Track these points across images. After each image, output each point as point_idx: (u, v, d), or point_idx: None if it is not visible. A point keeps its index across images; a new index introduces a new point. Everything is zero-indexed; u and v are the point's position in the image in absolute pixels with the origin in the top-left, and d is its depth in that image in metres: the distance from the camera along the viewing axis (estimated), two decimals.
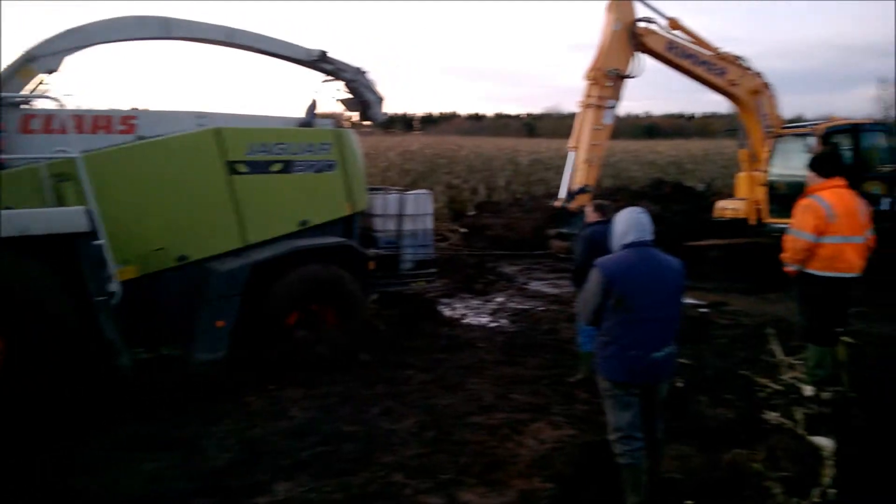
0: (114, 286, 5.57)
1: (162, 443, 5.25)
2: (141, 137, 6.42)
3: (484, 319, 9.54)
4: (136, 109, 6.75)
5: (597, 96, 10.58)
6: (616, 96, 10.76)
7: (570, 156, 10.84)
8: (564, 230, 10.55)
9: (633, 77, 10.79)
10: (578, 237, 6.45)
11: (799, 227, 5.73)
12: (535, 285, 12.06)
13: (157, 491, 4.59)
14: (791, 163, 11.23)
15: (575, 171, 10.66)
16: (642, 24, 10.75)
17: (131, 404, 5.75)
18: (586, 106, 10.74)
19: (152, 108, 6.88)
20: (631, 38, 10.59)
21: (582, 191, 10.40)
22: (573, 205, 10.32)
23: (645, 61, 10.86)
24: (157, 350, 7.12)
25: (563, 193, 10.72)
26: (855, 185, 7.15)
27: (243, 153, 6.77)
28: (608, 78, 10.54)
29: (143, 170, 6.32)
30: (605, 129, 10.75)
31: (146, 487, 4.63)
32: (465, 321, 9.38)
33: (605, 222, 5.77)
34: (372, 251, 7.72)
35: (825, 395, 4.75)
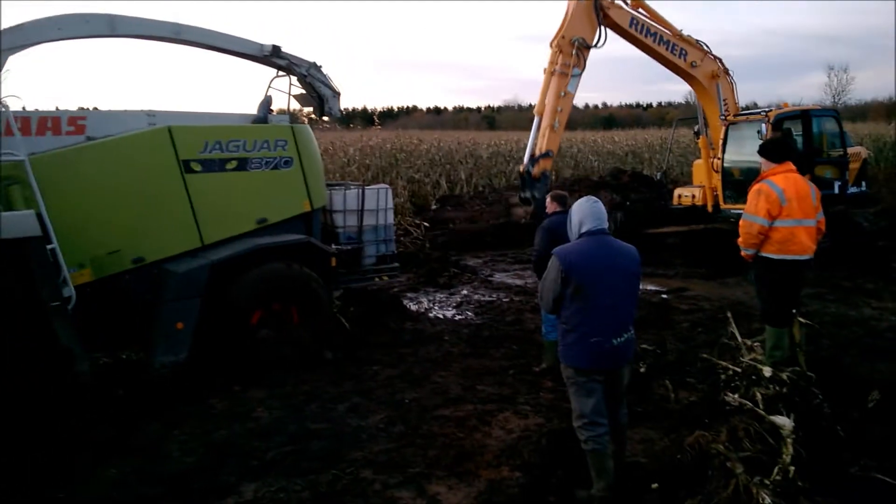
0: (68, 291, 5.45)
1: (125, 447, 5.16)
2: (90, 138, 6.27)
3: (449, 312, 9.56)
4: (85, 109, 6.59)
5: (561, 63, 10.63)
6: (580, 65, 10.79)
7: (536, 121, 10.88)
8: (526, 195, 10.58)
9: (597, 47, 10.86)
10: (538, 228, 6.51)
11: (752, 212, 5.84)
12: (499, 277, 12.12)
13: (122, 496, 4.50)
14: (744, 149, 11.42)
15: (539, 137, 10.71)
16: None
17: (92, 410, 5.62)
18: (551, 73, 10.79)
19: (101, 107, 6.73)
20: (596, 10, 10.67)
21: (545, 156, 10.44)
22: (536, 169, 10.36)
23: (608, 36, 10.93)
24: (116, 354, 7.00)
25: (527, 158, 10.76)
26: (806, 169, 7.32)
27: (197, 151, 6.66)
28: (573, 46, 10.61)
29: (94, 171, 6.17)
30: (569, 95, 10.81)
31: (110, 493, 4.55)
32: (430, 315, 9.38)
33: (564, 212, 5.83)
34: (333, 247, 7.67)
35: (783, 375, 4.86)
